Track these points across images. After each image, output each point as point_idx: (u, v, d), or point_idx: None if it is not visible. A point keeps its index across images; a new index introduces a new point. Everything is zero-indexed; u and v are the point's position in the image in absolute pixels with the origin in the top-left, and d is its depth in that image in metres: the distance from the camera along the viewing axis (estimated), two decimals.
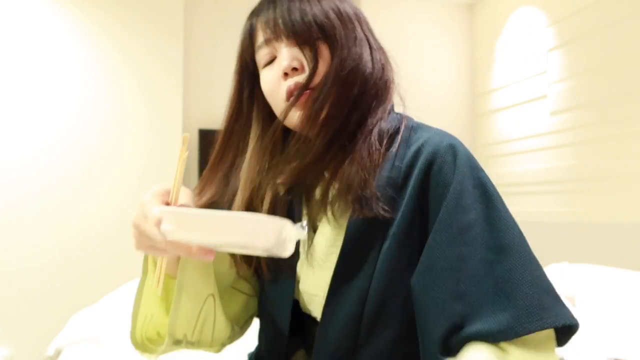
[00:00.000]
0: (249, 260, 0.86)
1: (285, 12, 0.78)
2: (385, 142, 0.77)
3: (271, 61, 0.80)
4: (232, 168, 0.85)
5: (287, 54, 0.77)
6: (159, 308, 0.79)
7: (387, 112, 0.81)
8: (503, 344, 0.64)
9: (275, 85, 0.78)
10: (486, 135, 3.82)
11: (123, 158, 3.02)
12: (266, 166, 0.81)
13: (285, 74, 0.77)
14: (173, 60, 3.18)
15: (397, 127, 0.79)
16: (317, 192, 0.80)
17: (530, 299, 0.64)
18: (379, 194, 0.72)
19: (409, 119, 0.82)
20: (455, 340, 0.66)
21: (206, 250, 0.63)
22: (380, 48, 0.84)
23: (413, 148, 0.75)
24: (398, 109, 0.85)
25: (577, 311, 2.10)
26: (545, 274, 0.68)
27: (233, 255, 0.85)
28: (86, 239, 2.92)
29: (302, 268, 0.81)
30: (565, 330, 0.67)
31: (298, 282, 0.81)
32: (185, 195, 0.72)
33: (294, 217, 0.83)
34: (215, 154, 0.86)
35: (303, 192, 0.81)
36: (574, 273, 2.27)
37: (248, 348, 1.00)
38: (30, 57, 2.88)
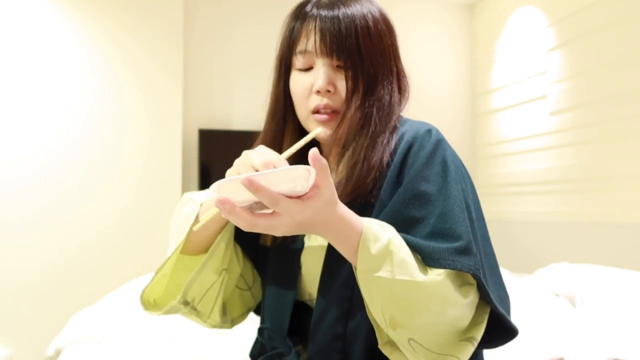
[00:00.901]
0: (254, 258, 0.96)
1: (329, 27, 0.82)
2: (385, 141, 0.84)
3: (307, 68, 0.85)
4: None
5: (324, 74, 0.83)
6: (171, 274, 0.88)
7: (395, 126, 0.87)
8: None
9: (305, 94, 0.85)
10: (486, 135, 3.82)
11: (123, 158, 3.02)
12: None
13: (319, 92, 0.83)
14: (173, 60, 3.18)
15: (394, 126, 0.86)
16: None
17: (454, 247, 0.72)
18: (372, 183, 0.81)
19: (400, 116, 0.89)
20: None
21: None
22: (404, 75, 0.91)
23: (397, 137, 0.84)
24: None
25: (577, 311, 2.10)
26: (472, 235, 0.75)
27: (237, 252, 0.93)
28: (86, 239, 2.92)
29: (305, 254, 0.88)
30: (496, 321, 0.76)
31: (301, 268, 0.88)
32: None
33: None
34: None
35: None
36: (574, 273, 2.27)
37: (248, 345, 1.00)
38: (30, 57, 2.88)
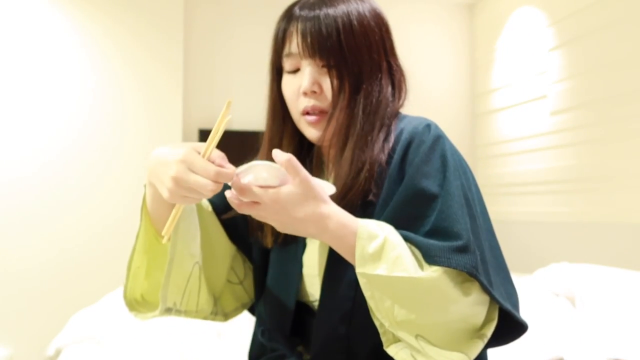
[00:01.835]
0: (247, 252, 0.97)
1: (310, 28, 0.82)
2: (383, 139, 0.84)
3: (294, 70, 0.86)
4: None
5: (309, 75, 0.83)
6: (144, 262, 0.88)
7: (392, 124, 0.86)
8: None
9: (294, 96, 0.86)
10: (486, 135, 3.82)
11: (123, 158, 3.02)
12: None
13: (305, 93, 0.83)
14: (173, 60, 3.18)
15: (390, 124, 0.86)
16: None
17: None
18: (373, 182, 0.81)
19: (398, 113, 0.89)
20: None
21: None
22: (400, 71, 0.90)
23: (396, 134, 0.84)
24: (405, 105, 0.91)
25: (577, 311, 2.10)
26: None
27: (220, 242, 0.95)
28: (86, 239, 2.92)
29: (306, 254, 0.89)
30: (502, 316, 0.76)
31: (302, 268, 0.89)
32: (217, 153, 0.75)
33: None
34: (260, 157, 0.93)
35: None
36: (574, 273, 2.27)
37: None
38: (30, 57, 2.88)
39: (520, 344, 1.80)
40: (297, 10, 0.85)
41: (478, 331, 0.75)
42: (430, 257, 0.71)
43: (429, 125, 0.83)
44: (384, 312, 0.71)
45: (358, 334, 0.78)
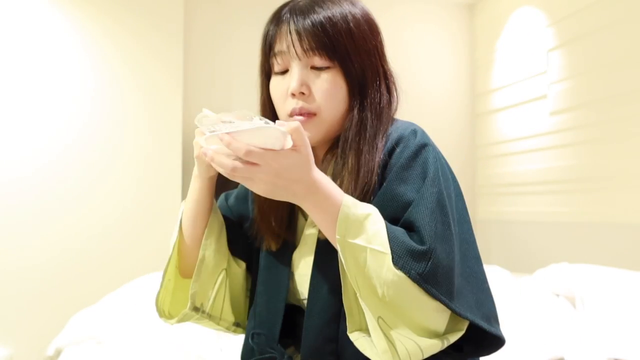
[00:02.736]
0: (249, 256, 0.97)
1: (303, 29, 0.81)
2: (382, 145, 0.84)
3: (283, 72, 0.85)
4: None
5: (297, 75, 0.81)
6: (175, 278, 0.91)
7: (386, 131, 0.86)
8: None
9: (282, 97, 0.84)
10: (486, 135, 3.82)
11: (123, 158, 3.02)
12: None
13: (293, 94, 0.82)
14: (173, 60, 3.18)
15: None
16: None
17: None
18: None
19: (393, 119, 0.89)
20: None
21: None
22: (391, 75, 0.89)
23: (385, 139, 0.84)
24: (399, 109, 0.90)
25: (577, 311, 2.10)
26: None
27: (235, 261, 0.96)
28: (86, 239, 2.92)
29: (296, 253, 0.90)
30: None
31: (293, 269, 0.89)
32: None
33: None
34: None
35: None
36: (574, 273, 2.27)
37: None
38: (30, 57, 2.88)
39: (521, 344, 1.80)
40: (286, 12, 0.83)
41: (440, 335, 0.74)
42: (395, 253, 0.71)
43: (415, 131, 0.83)
44: (355, 284, 0.71)
45: (347, 335, 0.77)
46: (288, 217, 0.90)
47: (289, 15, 0.83)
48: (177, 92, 3.17)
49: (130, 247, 2.96)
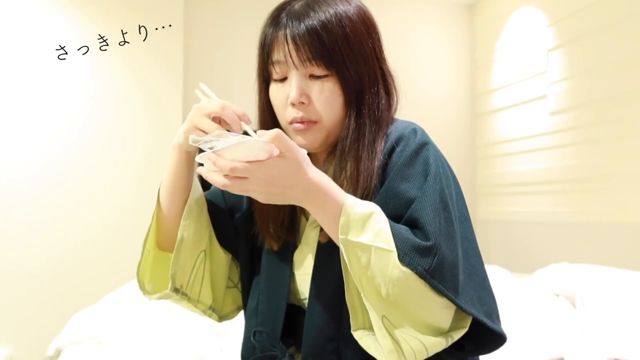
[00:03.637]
0: (236, 257, 0.98)
1: (299, 37, 0.79)
2: (382, 148, 0.84)
3: (281, 79, 0.84)
4: None
5: (296, 85, 0.81)
6: (153, 249, 0.92)
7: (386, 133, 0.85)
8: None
9: (282, 105, 0.84)
10: (486, 135, 3.82)
11: (123, 158, 3.02)
12: None
13: (293, 104, 0.82)
14: (173, 60, 3.18)
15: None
16: None
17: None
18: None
19: (393, 120, 0.89)
20: None
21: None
22: (391, 76, 0.88)
23: (385, 140, 0.84)
24: (399, 109, 0.90)
25: (577, 311, 2.10)
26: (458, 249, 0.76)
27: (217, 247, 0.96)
28: (86, 239, 2.92)
29: (297, 253, 0.90)
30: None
31: (294, 269, 0.89)
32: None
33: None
34: None
35: None
36: (574, 273, 2.27)
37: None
38: (30, 57, 2.88)
39: (521, 344, 1.80)
40: (283, 17, 0.82)
41: (444, 333, 0.74)
42: (400, 250, 0.71)
43: (415, 130, 0.83)
44: (359, 284, 0.71)
45: (348, 335, 0.77)
46: (289, 217, 0.90)
47: (285, 20, 0.81)
48: (177, 92, 3.17)
49: (130, 247, 2.95)
